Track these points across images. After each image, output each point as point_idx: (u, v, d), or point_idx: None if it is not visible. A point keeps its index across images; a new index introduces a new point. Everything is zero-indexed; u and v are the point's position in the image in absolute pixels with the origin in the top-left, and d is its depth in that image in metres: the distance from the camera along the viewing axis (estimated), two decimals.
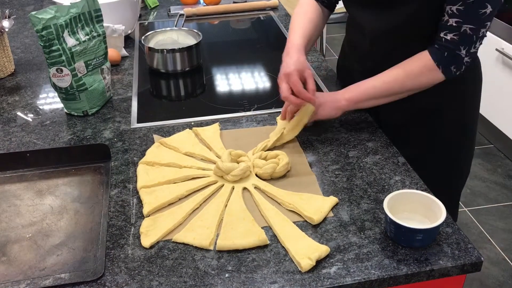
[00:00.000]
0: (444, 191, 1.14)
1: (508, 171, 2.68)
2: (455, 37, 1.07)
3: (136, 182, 1.06)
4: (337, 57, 1.52)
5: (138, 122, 1.29)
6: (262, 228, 0.93)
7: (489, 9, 1.03)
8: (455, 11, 1.05)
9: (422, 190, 0.97)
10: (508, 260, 2.14)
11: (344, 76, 1.46)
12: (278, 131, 1.17)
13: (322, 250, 0.87)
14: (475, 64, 1.24)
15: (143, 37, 1.60)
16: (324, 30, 3.00)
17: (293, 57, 1.16)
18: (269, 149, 1.14)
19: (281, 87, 1.13)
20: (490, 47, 2.57)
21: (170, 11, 2.09)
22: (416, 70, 1.12)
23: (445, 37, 1.08)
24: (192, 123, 1.28)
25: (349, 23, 1.36)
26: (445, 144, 1.29)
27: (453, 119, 1.27)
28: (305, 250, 0.86)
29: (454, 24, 1.06)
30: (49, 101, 1.42)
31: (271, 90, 1.46)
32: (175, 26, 1.76)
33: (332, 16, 2.67)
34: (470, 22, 1.04)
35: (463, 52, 1.08)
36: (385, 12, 1.16)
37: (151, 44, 1.60)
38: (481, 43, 1.10)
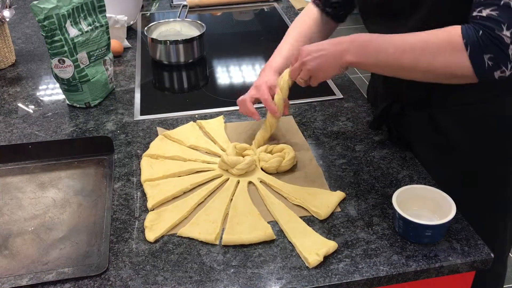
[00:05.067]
0: (496, 215, 1.08)
1: None
2: (493, 13, 0.80)
3: (140, 175, 1.05)
4: None
5: (141, 114, 1.27)
6: (268, 223, 0.92)
7: None
8: None
9: (430, 186, 0.95)
10: (510, 254, 2.13)
11: (372, 94, 1.29)
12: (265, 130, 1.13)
13: (329, 245, 0.85)
14: None
15: (145, 28, 1.57)
16: None
17: (265, 76, 1.14)
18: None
19: (247, 93, 1.13)
20: None
21: (172, 2, 2.06)
22: (437, 43, 0.85)
23: (480, 14, 0.82)
24: (196, 115, 1.26)
25: None
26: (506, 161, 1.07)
27: None
28: (313, 246, 0.85)
29: None
30: (51, 92, 1.40)
31: None
32: (178, 17, 1.73)
33: None
34: None
35: (507, 34, 0.79)
36: (397, 22, 0.99)
37: (154, 35, 1.58)
38: None
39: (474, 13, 0.83)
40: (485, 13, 0.81)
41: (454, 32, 0.83)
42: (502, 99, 1.01)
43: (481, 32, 0.81)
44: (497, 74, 0.82)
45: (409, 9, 0.96)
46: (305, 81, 1.02)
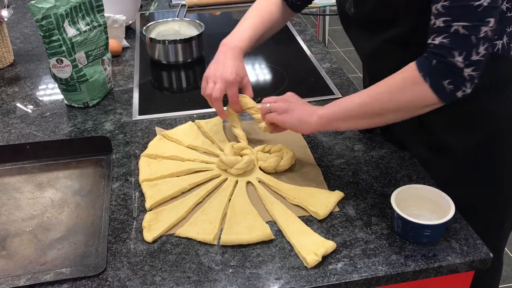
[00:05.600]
0: (488, 216, 1.07)
1: None
2: (444, 40, 0.83)
3: (138, 175, 1.04)
4: (339, 50, 1.47)
5: (140, 114, 1.27)
6: (267, 222, 0.91)
7: (485, 1, 0.79)
8: (440, 8, 0.83)
9: (429, 185, 0.95)
10: (510, 253, 2.13)
11: None
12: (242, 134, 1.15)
13: (328, 245, 0.85)
14: None
15: (144, 28, 1.57)
16: (326, 22, 2.97)
17: (230, 61, 1.11)
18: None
19: (216, 87, 1.09)
20: None
21: (171, 1, 2.06)
22: (398, 83, 0.88)
23: (433, 42, 0.85)
24: (195, 115, 1.26)
25: None
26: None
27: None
28: (311, 246, 0.85)
29: (441, 25, 0.83)
30: (49, 92, 1.40)
31: (273, 82, 1.44)
32: (177, 17, 1.73)
33: (334, 8, 2.65)
34: (460, 18, 0.81)
35: (459, 59, 0.82)
36: (375, 33, 1.03)
37: (153, 35, 1.57)
38: (491, 49, 0.85)
39: (429, 41, 0.86)
40: (437, 40, 0.84)
41: (409, 68, 0.87)
42: (492, 98, 1.00)
43: (434, 61, 0.84)
44: (459, 94, 0.85)
45: (386, 23, 1.00)
46: (270, 118, 1.03)
